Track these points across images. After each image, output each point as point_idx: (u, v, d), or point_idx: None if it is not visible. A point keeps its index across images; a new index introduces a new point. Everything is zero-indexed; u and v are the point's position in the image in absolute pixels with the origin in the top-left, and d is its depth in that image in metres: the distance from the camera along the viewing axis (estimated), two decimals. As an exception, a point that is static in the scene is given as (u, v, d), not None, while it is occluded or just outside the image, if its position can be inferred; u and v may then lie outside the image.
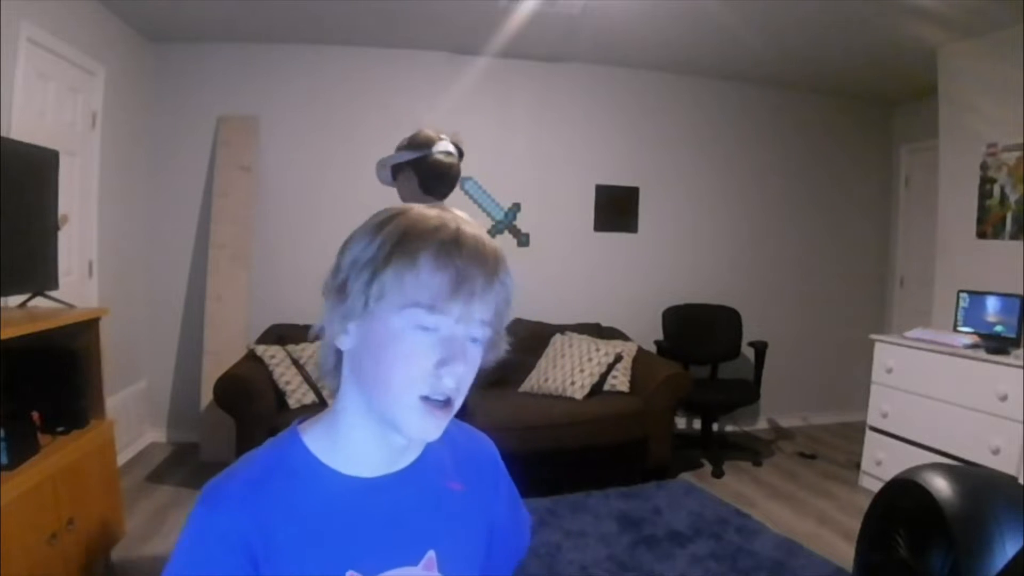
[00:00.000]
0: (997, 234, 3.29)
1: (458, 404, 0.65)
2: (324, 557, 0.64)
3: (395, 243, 0.63)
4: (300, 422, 0.72)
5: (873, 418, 3.44)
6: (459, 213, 0.68)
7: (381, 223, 0.67)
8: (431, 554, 0.69)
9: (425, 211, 0.67)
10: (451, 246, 0.62)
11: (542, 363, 3.72)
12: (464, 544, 0.74)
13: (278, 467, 0.66)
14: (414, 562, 0.68)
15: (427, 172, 1.76)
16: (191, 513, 0.64)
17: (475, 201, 4.12)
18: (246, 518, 0.63)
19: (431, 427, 0.64)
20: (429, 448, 0.73)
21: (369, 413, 0.66)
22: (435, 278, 0.61)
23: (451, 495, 0.74)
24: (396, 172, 1.81)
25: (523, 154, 4.21)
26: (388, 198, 4.46)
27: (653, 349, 4.11)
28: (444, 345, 0.62)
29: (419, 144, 1.78)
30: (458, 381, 0.63)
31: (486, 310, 0.63)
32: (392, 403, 0.63)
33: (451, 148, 1.84)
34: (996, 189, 3.30)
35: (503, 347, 0.70)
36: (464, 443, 0.80)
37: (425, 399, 0.62)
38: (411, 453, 0.71)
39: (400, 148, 1.82)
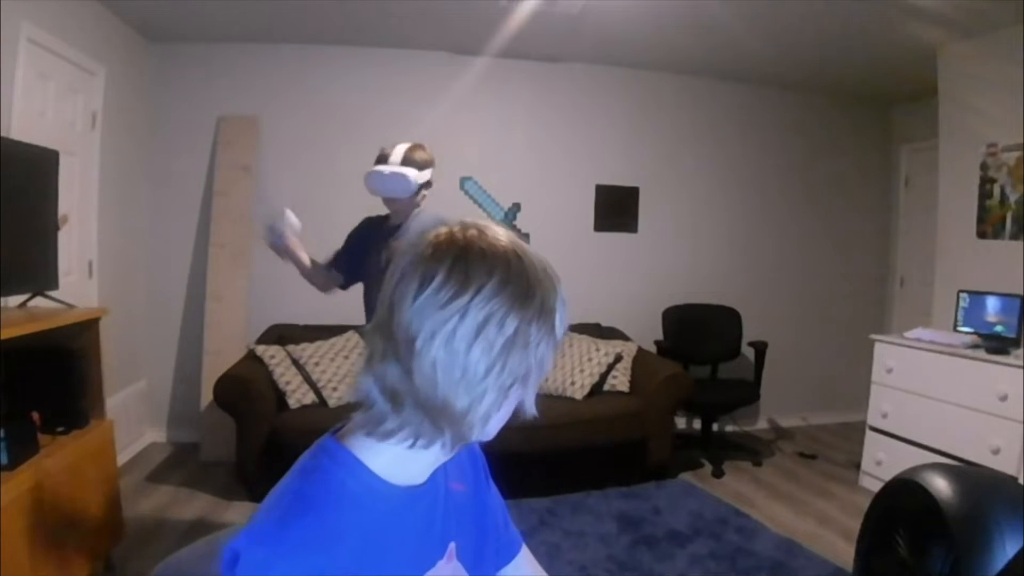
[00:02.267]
0: (997, 234, 3.29)
1: None
2: (387, 570, 0.64)
3: (537, 312, 0.62)
4: (335, 433, 0.69)
5: (873, 418, 3.44)
6: (495, 226, 0.67)
7: (505, 281, 0.60)
8: (452, 545, 0.73)
9: (510, 245, 0.64)
10: (562, 304, 0.65)
11: (542, 363, 3.71)
12: (474, 537, 0.78)
13: (344, 497, 0.62)
14: (442, 555, 0.72)
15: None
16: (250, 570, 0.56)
17: (475, 201, 4.13)
18: (323, 564, 0.58)
19: (491, 431, 0.67)
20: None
21: (433, 436, 0.64)
22: (562, 323, 0.65)
23: (456, 494, 0.77)
24: (421, 186, 2.05)
25: (523, 154, 4.21)
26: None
27: (653, 349, 4.11)
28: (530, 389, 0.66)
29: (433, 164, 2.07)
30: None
31: None
32: (470, 437, 0.65)
33: None
34: (996, 189, 3.30)
35: None
36: (464, 454, 0.83)
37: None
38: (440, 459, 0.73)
39: (424, 166, 2.05)
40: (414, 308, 0.59)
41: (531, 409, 0.67)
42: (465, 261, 0.60)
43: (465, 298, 0.58)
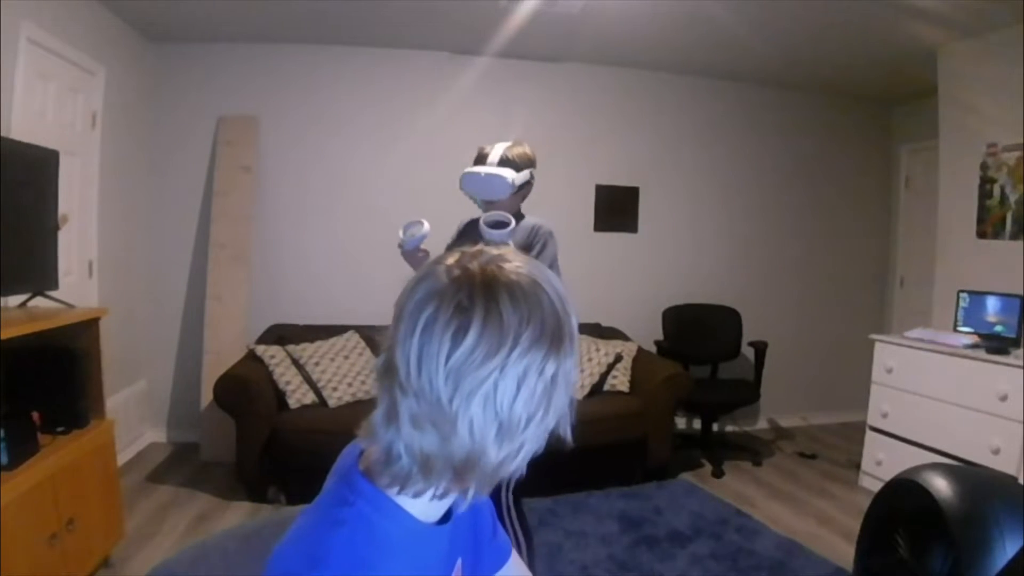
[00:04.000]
0: (997, 234, 3.29)
1: None
2: None
3: (550, 351, 0.57)
4: (359, 471, 0.65)
5: (873, 418, 3.44)
6: (509, 253, 0.63)
7: (552, 331, 0.58)
8: (459, 562, 0.73)
9: (524, 277, 0.59)
10: (575, 330, 0.62)
11: (542, 363, 3.71)
12: (471, 548, 0.78)
13: (390, 549, 0.60)
14: (451, 570, 0.71)
15: (533, 182, 2.00)
16: None
17: (475, 201, 4.12)
18: None
19: None
20: None
21: (462, 487, 0.62)
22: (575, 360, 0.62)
23: (484, 520, 0.79)
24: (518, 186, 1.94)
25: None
26: (384, 198, 4.43)
27: (653, 349, 4.11)
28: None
29: (535, 160, 1.99)
30: None
31: None
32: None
33: None
34: (996, 189, 3.30)
35: None
36: None
37: None
38: None
39: (523, 165, 1.95)
40: (448, 368, 0.54)
41: (567, 436, 0.63)
42: (498, 309, 0.55)
43: (504, 352, 0.54)
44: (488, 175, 1.89)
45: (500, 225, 1.81)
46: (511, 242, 1.83)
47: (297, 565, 0.58)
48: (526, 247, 1.94)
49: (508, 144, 1.98)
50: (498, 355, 0.54)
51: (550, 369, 0.57)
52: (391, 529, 0.61)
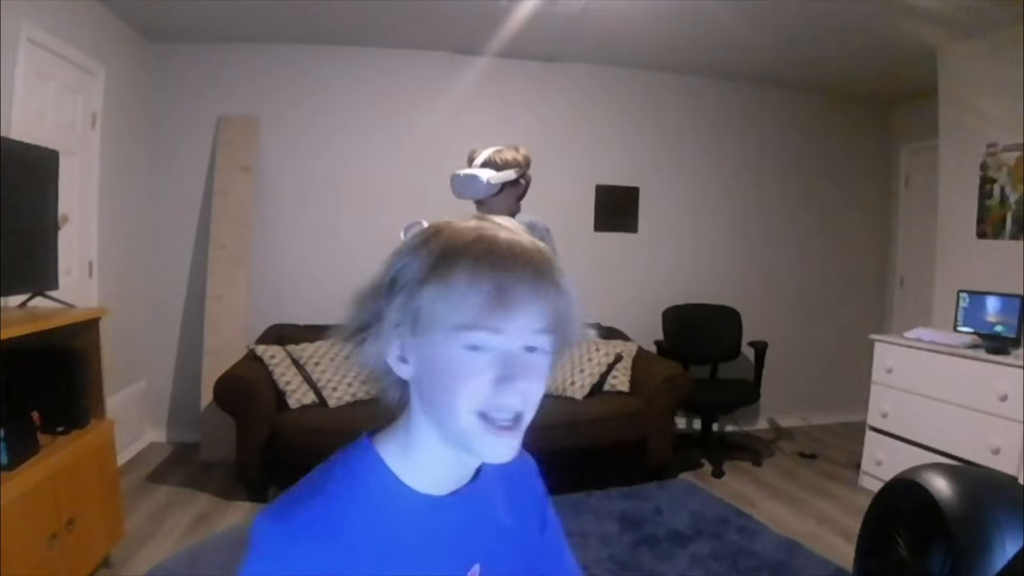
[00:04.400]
0: (997, 234, 3.29)
1: (528, 420, 0.63)
2: (390, 573, 0.63)
3: (430, 265, 0.60)
4: (370, 434, 0.69)
5: (873, 418, 3.44)
6: (501, 220, 0.66)
7: (418, 244, 0.64)
8: (476, 568, 0.69)
9: (462, 225, 0.64)
10: (486, 258, 0.59)
11: (542, 363, 3.71)
12: (510, 563, 0.74)
13: (355, 489, 0.64)
14: (461, 574, 0.69)
15: (528, 184, 2.15)
16: (252, 549, 0.59)
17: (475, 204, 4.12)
18: (320, 554, 0.59)
19: (502, 449, 0.62)
20: (485, 467, 0.71)
21: (442, 436, 0.64)
22: (472, 295, 0.58)
23: (500, 515, 0.74)
24: (504, 186, 2.07)
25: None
26: (384, 198, 4.44)
27: (653, 349, 4.11)
28: (500, 363, 0.60)
29: (529, 162, 2.12)
30: (523, 397, 0.61)
31: (538, 318, 0.61)
32: (459, 428, 0.61)
33: None
34: (996, 189, 3.30)
35: (578, 339, 0.69)
36: (518, 475, 0.79)
37: (490, 421, 0.60)
38: (471, 470, 0.71)
39: (504, 165, 2.06)
40: None
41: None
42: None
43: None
44: (466, 175, 2.04)
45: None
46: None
47: (271, 512, 0.61)
48: None
49: (496, 148, 2.11)
50: (406, 255, 0.65)
51: (394, 266, 0.65)
52: (368, 477, 0.64)
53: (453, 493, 0.68)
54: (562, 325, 0.63)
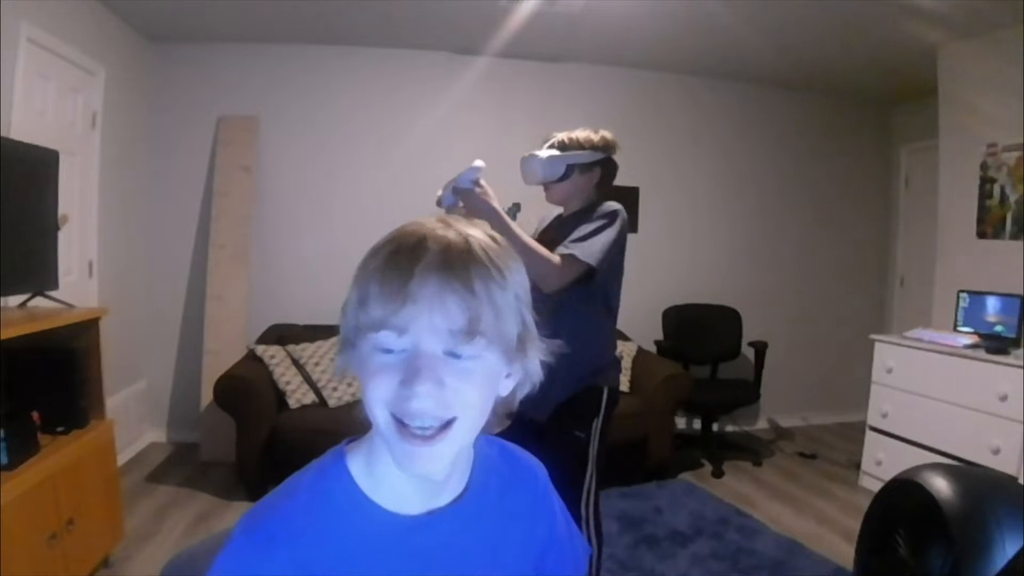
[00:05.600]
0: (997, 234, 3.29)
1: (461, 428, 0.58)
2: None
3: (356, 272, 0.59)
4: (349, 442, 0.67)
5: (873, 418, 3.44)
6: (456, 220, 0.62)
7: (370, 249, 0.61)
8: None
9: (417, 226, 0.61)
10: (400, 256, 0.57)
11: (542, 363, 3.71)
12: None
13: (322, 501, 0.62)
14: None
15: (611, 171, 1.86)
16: (227, 546, 0.60)
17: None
18: (282, 561, 0.58)
19: (421, 461, 0.58)
20: (474, 483, 0.68)
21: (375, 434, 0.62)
22: (378, 290, 0.56)
23: (492, 540, 0.69)
24: (571, 170, 1.81)
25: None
26: (385, 198, 4.44)
27: (653, 349, 4.11)
28: (405, 363, 0.56)
29: (609, 146, 1.86)
30: (435, 401, 0.56)
31: (449, 318, 0.56)
32: (382, 434, 0.59)
33: None
34: (996, 189, 3.30)
35: (532, 365, 0.63)
36: (510, 478, 0.74)
37: (404, 428, 0.57)
38: (452, 490, 0.66)
39: (570, 147, 1.83)
40: None
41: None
42: None
43: None
44: (526, 157, 1.83)
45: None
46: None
47: (250, 513, 0.62)
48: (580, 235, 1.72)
49: (575, 131, 1.91)
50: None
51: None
52: (334, 487, 0.63)
53: (430, 513, 0.64)
54: (485, 327, 0.57)
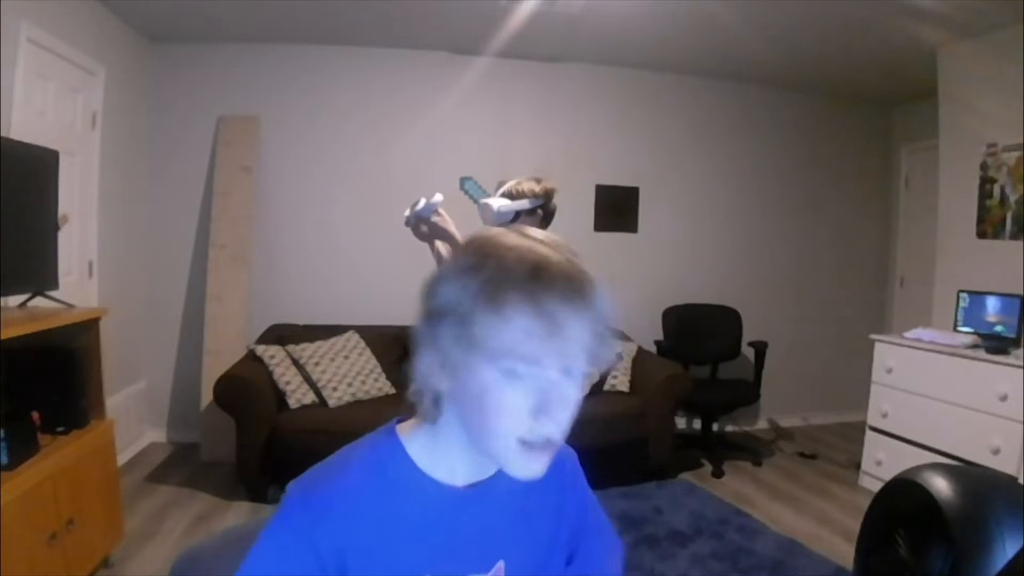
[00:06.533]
0: (997, 234, 3.29)
1: (561, 440, 0.64)
2: (407, 560, 0.65)
3: (481, 290, 0.59)
4: (398, 421, 0.72)
5: (873, 418, 3.44)
6: (542, 235, 0.65)
7: (468, 269, 0.61)
8: (500, 564, 0.71)
9: (512, 245, 0.62)
10: (539, 288, 0.58)
11: (542, 363, 3.72)
12: (533, 558, 0.75)
13: (376, 473, 0.67)
14: (485, 570, 0.70)
15: (550, 214, 2.26)
16: (280, 513, 0.64)
17: (475, 200, 4.12)
18: (339, 530, 0.62)
19: (535, 469, 0.63)
20: None
21: (476, 448, 0.66)
22: (524, 326, 0.58)
23: (525, 511, 0.74)
24: (519, 215, 2.20)
25: (523, 154, 4.21)
26: (385, 198, 4.45)
27: (653, 349, 4.11)
28: (540, 393, 0.60)
29: (548, 194, 2.26)
30: (558, 425, 0.61)
31: (583, 347, 0.60)
32: (493, 447, 0.63)
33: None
34: (996, 189, 3.30)
35: (610, 358, 0.67)
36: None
37: (525, 443, 0.61)
38: (493, 465, 0.71)
39: (519, 196, 2.21)
40: None
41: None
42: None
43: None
44: (482, 204, 2.21)
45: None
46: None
47: (301, 482, 0.67)
48: None
49: (520, 180, 2.27)
50: (457, 277, 0.64)
51: (442, 294, 0.63)
52: (388, 463, 0.67)
53: (474, 486, 0.69)
54: (598, 346, 0.62)
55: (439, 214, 2.04)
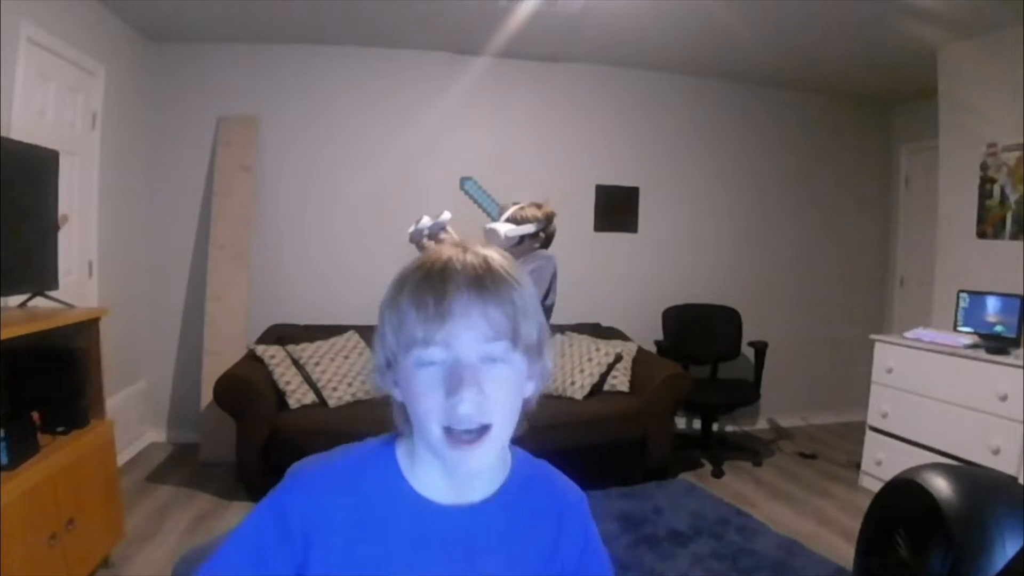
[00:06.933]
0: (997, 234, 3.29)
1: (498, 432, 0.65)
2: (372, 559, 0.67)
3: (388, 295, 0.66)
4: (399, 433, 0.74)
5: (873, 418, 3.44)
6: (471, 243, 0.69)
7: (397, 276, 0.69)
8: None
9: (437, 252, 0.68)
10: (430, 276, 0.64)
11: (542, 363, 3.72)
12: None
13: (367, 468, 0.71)
14: None
15: (551, 235, 2.51)
16: (277, 487, 0.70)
17: (475, 201, 4.12)
18: (312, 505, 0.67)
19: (466, 459, 0.64)
20: (504, 490, 0.73)
21: (428, 451, 0.69)
22: (415, 312, 0.63)
23: (509, 541, 0.73)
24: (523, 239, 2.42)
25: (523, 154, 4.21)
26: (384, 198, 4.46)
27: (653, 349, 4.11)
28: (446, 375, 0.62)
29: (549, 217, 2.50)
30: (476, 407, 0.62)
31: (484, 327, 0.63)
32: (431, 443, 0.65)
33: None
34: (996, 189, 3.30)
35: (548, 363, 0.71)
36: (540, 495, 0.78)
37: (449, 432, 0.63)
38: (482, 489, 0.72)
39: (523, 221, 2.43)
40: None
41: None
42: None
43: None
44: (488, 229, 2.42)
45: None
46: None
47: (305, 461, 0.75)
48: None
49: (518, 207, 2.48)
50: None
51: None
52: (380, 469, 0.71)
53: (458, 506, 0.70)
54: (514, 333, 0.64)
55: (447, 231, 2.26)
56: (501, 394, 0.64)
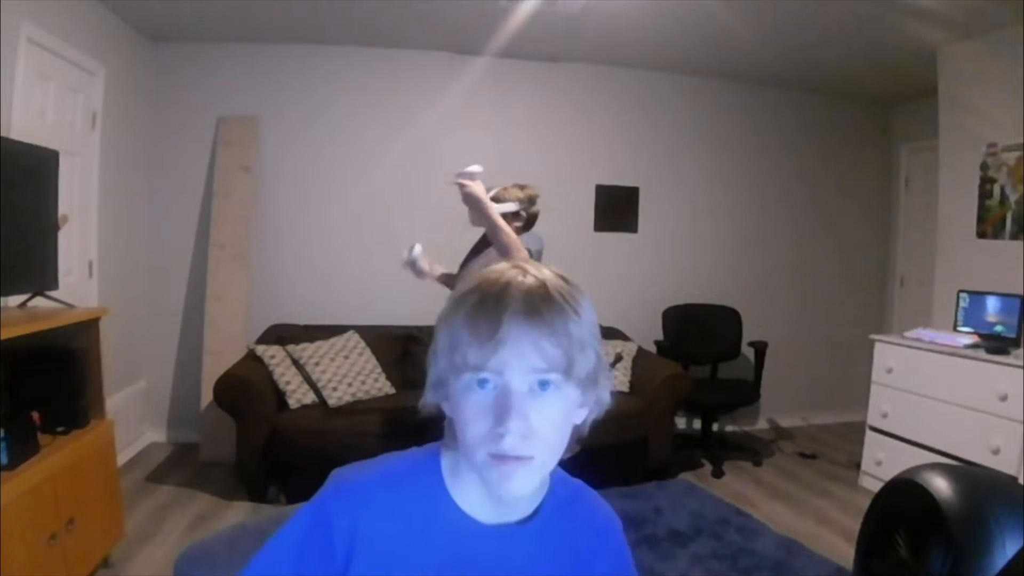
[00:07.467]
0: (997, 234, 3.29)
1: (542, 459, 0.65)
2: (410, 572, 0.67)
3: (446, 309, 0.67)
4: (442, 443, 0.74)
5: (873, 418, 3.44)
6: (531, 265, 0.68)
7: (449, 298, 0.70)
8: None
9: (498, 274, 0.66)
10: (486, 301, 0.63)
11: (542, 363, 3.72)
12: None
13: (411, 480, 0.71)
14: None
15: (533, 217, 2.56)
16: (316, 495, 0.70)
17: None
18: (357, 513, 0.67)
19: (510, 483, 0.64)
20: (543, 512, 0.73)
21: (470, 467, 0.69)
22: (468, 335, 0.63)
23: (544, 566, 0.73)
24: (503, 217, 2.41)
25: (523, 154, 4.21)
26: (384, 199, 4.45)
27: (653, 349, 4.11)
28: (496, 402, 0.62)
29: (531, 199, 2.54)
30: (522, 438, 0.62)
31: (535, 359, 0.62)
32: (476, 464, 0.65)
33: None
34: (996, 189, 3.30)
35: (604, 394, 0.71)
36: (577, 519, 0.78)
37: (493, 456, 0.63)
38: (521, 510, 0.72)
39: (499, 200, 2.46)
40: None
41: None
42: None
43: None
44: (463, 172, 2.45)
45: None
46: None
47: (348, 468, 0.73)
48: None
49: (506, 186, 2.53)
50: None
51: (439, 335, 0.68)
52: (424, 482, 0.71)
53: (499, 525, 0.70)
54: (568, 364, 0.63)
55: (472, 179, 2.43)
56: (548, 427, 0.64)
